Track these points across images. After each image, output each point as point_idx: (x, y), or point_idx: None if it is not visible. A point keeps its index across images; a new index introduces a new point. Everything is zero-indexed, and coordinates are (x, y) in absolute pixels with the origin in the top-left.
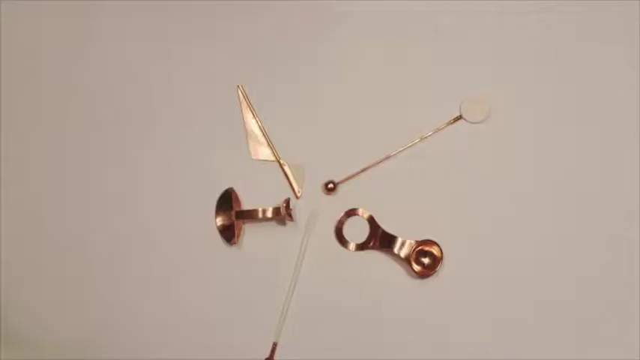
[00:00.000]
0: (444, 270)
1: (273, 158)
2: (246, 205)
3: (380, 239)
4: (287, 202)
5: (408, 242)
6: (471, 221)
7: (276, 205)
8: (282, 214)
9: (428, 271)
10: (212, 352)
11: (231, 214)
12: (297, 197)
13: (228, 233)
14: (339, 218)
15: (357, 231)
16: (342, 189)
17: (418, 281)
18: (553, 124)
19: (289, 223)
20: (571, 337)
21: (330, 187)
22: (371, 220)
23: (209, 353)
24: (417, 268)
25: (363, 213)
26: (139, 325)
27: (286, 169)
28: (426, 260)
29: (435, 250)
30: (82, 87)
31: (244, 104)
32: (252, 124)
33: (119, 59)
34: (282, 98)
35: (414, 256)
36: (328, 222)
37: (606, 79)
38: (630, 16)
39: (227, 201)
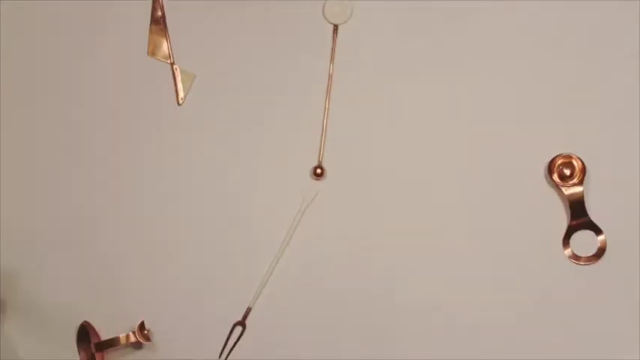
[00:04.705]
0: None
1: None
2: None
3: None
4: (141, 324)
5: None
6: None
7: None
8: (138, 339)
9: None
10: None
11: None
12: (179, 104)
13: None
14: None
15: None
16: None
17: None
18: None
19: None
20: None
21: (319, 173)
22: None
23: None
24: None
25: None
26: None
27: (177, 71)
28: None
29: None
30: (84, 85)
31: None
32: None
33: (121, 59)
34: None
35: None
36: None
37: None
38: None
39: (85, 337)
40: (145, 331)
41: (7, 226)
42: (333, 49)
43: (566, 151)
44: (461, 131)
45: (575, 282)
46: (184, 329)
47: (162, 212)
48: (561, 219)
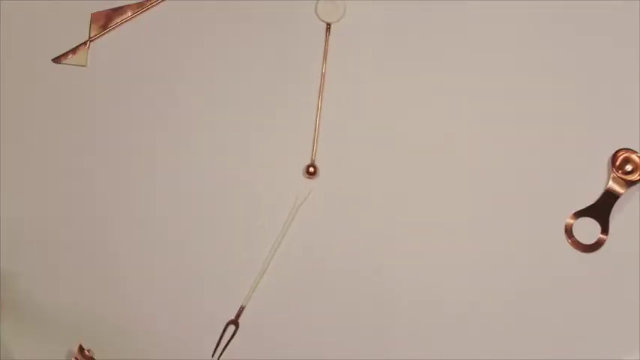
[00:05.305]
0: None
1: None
2: None
3: None
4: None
5: None
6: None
7: None
8: None
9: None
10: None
11: None
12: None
13: None
14: None
15: None
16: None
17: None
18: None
19: None
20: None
21: (311, 171)
22: None
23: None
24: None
25: None
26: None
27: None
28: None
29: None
30: (84, 85)
31: None
32: None
33: (121, 58)
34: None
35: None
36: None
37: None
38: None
39: None
40: (86, 351)
41: (7, 226)
42: (325, 48)
43: None
44: (454, 128)
45: (576, 282)
46: (177, 328)
47: (154, 211)
48: (561, 219)
